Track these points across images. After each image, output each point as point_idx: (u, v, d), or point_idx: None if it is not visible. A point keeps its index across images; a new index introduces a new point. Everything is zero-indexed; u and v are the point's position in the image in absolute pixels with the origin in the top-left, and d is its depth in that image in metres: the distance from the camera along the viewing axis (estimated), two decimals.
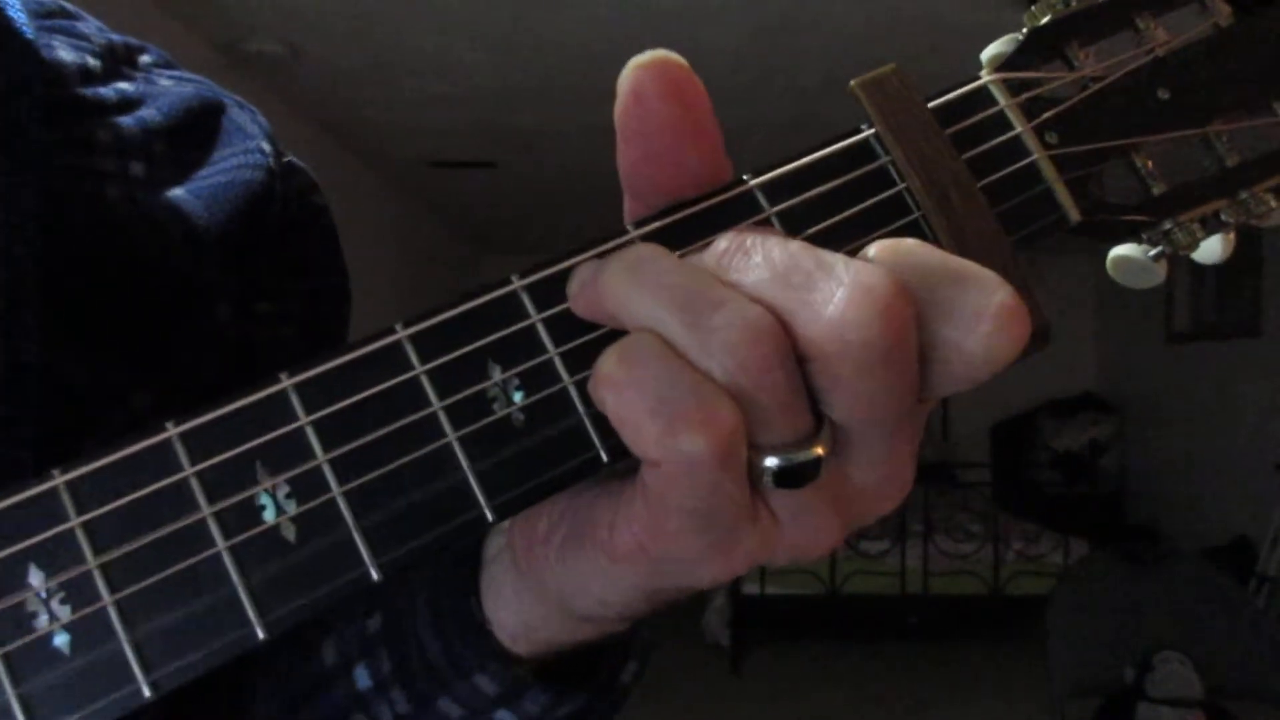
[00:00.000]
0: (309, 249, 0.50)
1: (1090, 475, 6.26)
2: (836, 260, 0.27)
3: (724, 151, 0.30)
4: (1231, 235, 0.34)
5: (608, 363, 0.27)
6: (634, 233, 0.30)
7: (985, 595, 4.51)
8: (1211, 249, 0.34)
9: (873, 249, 0.28)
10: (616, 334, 0.29)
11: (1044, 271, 5.91)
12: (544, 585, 0.33)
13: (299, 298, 0.49)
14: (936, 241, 0.30)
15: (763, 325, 0.26)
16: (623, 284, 0.27)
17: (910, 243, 0.28)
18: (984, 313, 0.26)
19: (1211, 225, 0.34)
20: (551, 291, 0.29)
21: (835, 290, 0.26)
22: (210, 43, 3.13)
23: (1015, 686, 4.10)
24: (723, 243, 0.28)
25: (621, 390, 0.26)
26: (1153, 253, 0.34)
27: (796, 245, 0.27)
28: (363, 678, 0.40)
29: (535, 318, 0.29)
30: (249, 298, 0.47)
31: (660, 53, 0.29)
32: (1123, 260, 0.35)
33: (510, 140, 4.36)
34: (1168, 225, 0.33)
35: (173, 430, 0.27)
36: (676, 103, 0.29)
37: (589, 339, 0.29)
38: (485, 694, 0.37)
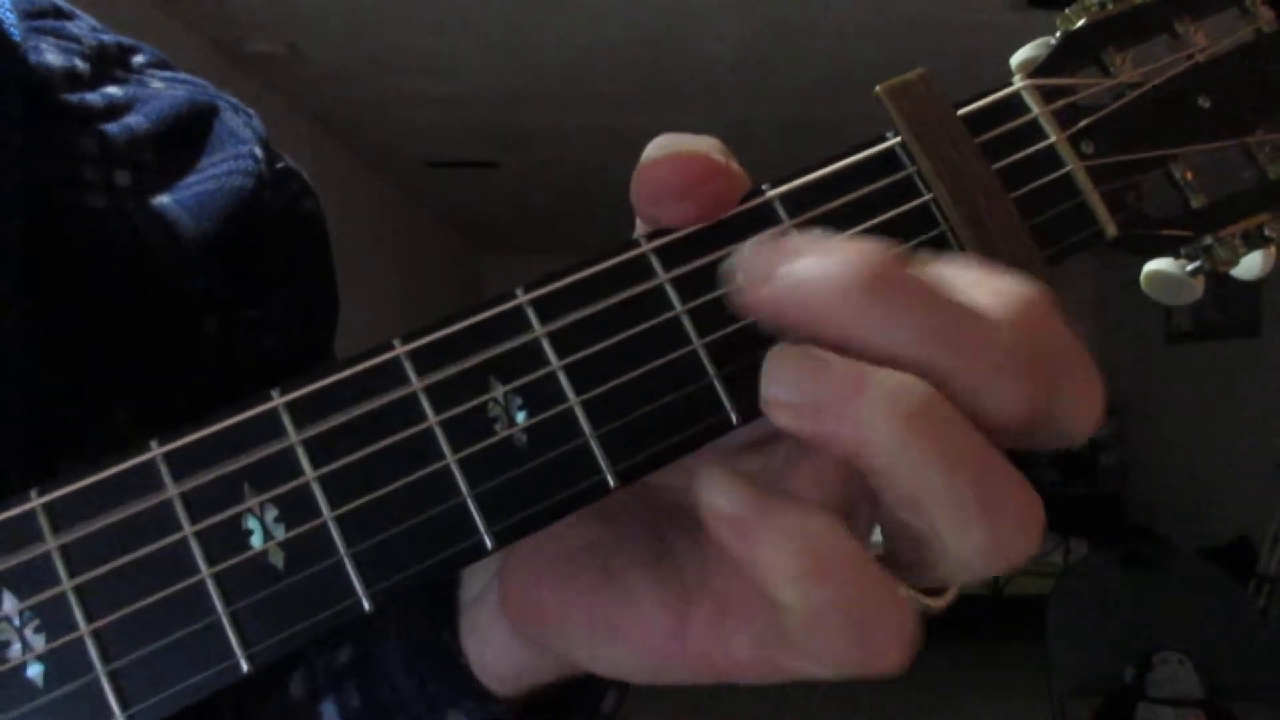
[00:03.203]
0: (298, 255, 0.49)
1: (1090, 475, 6.25)
2: None
3: (742, 181, 0.28)
4: (1273, 250, 0.33)
5: (792, 560, 0.23)
6: (646, 245, 0.28)
7: (985, 595, 4.51)
8: (1252, 265, 0.33)
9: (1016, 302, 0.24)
10: (625, 347, 0.27)
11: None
12: (553, 653, 0.31)
13: (285, 305, 0.48)
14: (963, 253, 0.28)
15: (1037, 510, 0.24)
16: (894, 437, 0.23)
17: (1034, 302, 0.25)
18: (1094, 392, 0.25)
19: (1254, 240, 0.32)
20: (557, 305, 0.27)
21: None
22: (210, 43, 3.13)
23: (1015, 686, 4.10)
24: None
25: (807, 584, 0.23)
26: (1190, 268, 0.32)
27: None
28: (330, 713, 0.38)
29: (540, 332, 0.27)
30: (236, 305, 0.46)
31: (682, 146, 0.27)
32: (1159, 275, 0.33)
33: (510, 140, 4.36)
34: (1208, 240, 0.32)
35: (157, 450, 0.26)
36: (694, 200, 0.27)
37: (595, 355, 0.27)
38: None
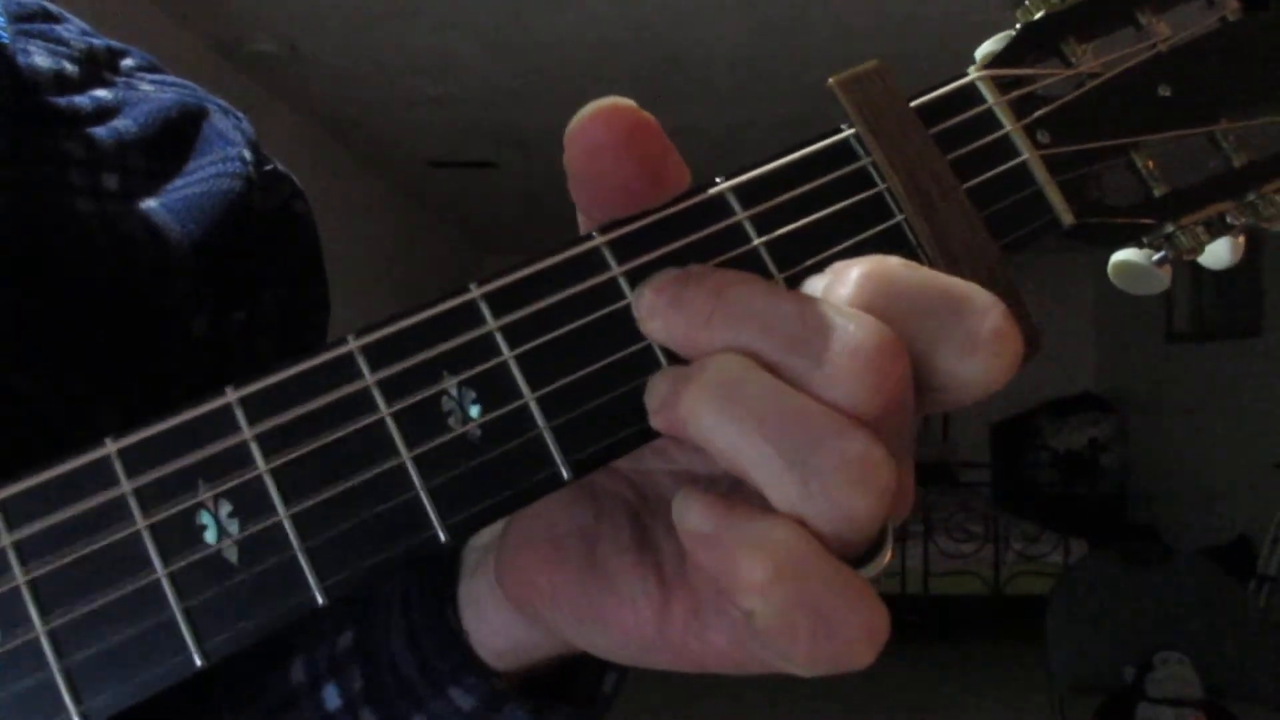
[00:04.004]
0: (287, 258, 0.49)
1: (1090, 475, 6.25)
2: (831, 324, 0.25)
3: (680, 167, 0.29)
4: (1241, 239, 0.33)
5: (756, 569, 0.24)
6: (599, 239, 0.28)
7: (985, 595, 4.51)
8: (1219, 253, 0.33)
9: (854, 276, 0.26)
10: (578, 340, 0.27)
11: (1043, 271, 5.91)
12: (548, 630, 0.32)
13: (275, 307, 0.48)
14: (919, 246, 0.29)
15: (873, 465, 0.24)
16: (712, 416, 0.25)
17: (893, 268, 0.27)
18: (977, 339, 0.25)
19: (1217, 228, 0.32)
20: (510, 300, 0.28)
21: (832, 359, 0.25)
22: (210, 42, 3.13)
23: (1015, 686, 4.10)
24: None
25: (772, 593, 0.24)
26: (1156, 257, 0.33)
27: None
28: (332, 697, 0.38)
29: (493, 326, 0.27)
30: (226, 308, 0.46)
31: (609, 101, 0.27)
32: (1124, 266, 0.33)
33: (510, 140, 4.36)
34: (1170, 228, 0.32)
35: (111, 446, 0.26)
36: (629, 155, 0.27)
37: (549, 349, 0.27)
38: (460, 709, 0.36)
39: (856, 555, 0.25)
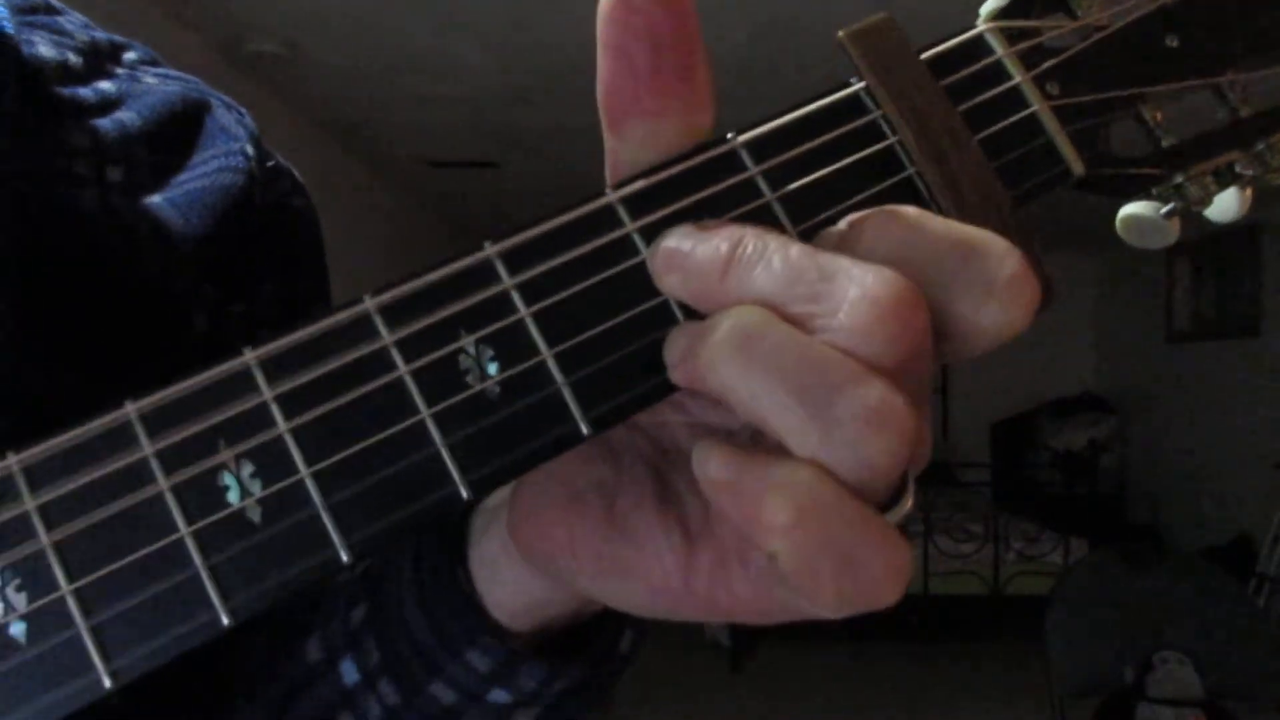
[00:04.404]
0: (287, 252, 0.49)
1: (1090, 475, 6.25)
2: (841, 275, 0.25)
3: (709, 86, 0.29)
4: (1248, 191, 0.32)
5: (779, 513, 0.24)
6: (613, 195, 0.28)
7: (985, 595, 4.51)
8: (1226, 204, 0.33)
9: (869, 226, 0.27)
10: (594, 296, 0.27)
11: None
12: (565, 584, 0.32)
13: (274, 301, 0.48)
14: (931, 197, 0.29)
15: (893, 412, 0.24)
16: (732, 367, 0.25)
17: (908, 216, 0.27)
18: (995, 285, 0.26)
19: (1225, 179, 0.32)
20: (525, 258, 0.28)
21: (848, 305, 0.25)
22: (210, 43, 3.13)
23: (1015, 686, 4.10)
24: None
25: (795, 535, 0.24)
26: (1164, 210, 0.33)
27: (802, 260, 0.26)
28: (350, 671, 0.38)
29: (509, 283, 0.27)
30: (226, 302, 0.46)
31: None
32: (1133, 219, 0.33)
33: (510, 140, 4.36)
34: (1179, 179, 0.32)
35: (131, 408, 0.26)
36: (664, 11, 0.27)
37: (565, 305, 0.27)
38: (478, 671, 0.36)
39: (878, 503, 0.25)
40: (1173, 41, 0.31)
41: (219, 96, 0.50)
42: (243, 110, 0.50)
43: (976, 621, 4.63)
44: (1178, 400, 5.80)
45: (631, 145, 0.29)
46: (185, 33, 3.00)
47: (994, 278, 0.26)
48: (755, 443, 0.27)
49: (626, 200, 0.28)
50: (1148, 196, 0.33)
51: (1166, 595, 2.57)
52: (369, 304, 0.27)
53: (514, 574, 0.34)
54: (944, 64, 0.30)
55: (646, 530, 0.29)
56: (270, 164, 0.49)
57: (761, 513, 0.24)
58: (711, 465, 0.26)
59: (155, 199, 0.43)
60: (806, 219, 0.29)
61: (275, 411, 0.26)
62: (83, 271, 0.40)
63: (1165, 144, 0.31)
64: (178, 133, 0.46)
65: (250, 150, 0.47)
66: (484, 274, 0.27)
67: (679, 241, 0.27)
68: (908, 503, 0.26)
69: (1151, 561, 2.62)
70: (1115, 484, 6.36)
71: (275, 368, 0.26)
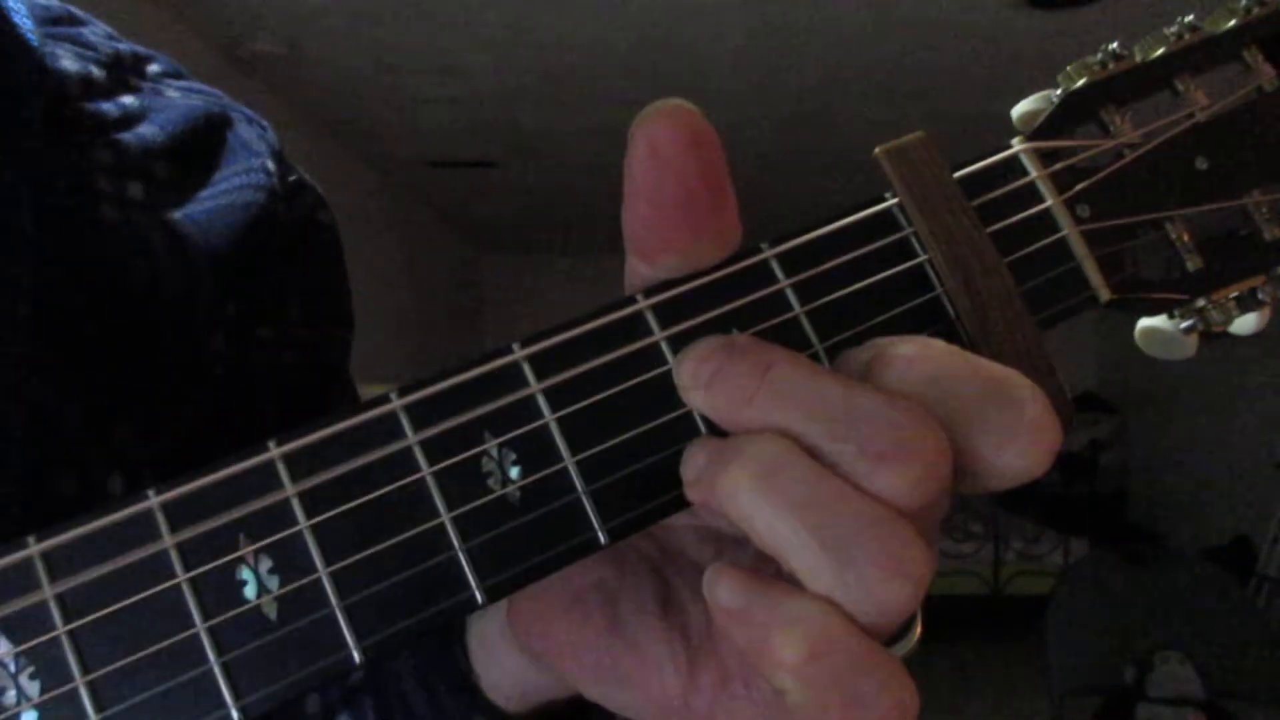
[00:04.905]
0: (313, 271, 0.49)
1: (1090, 475, 6.25)
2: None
3: (737, 212, 0.28)
4: (1267, 310, 0.33)
5: (790, 650, 0.24)
6: (644, 302, 0.28)
7: (985, 595, 4.51)
8: (1246, 324, 0.33)
9: (899, 359, 0.26)
10: (619, 404, 0.28)
11: None
12: (562, 681, 0.31)
13: (302, 322, 0.47)
14: (958, 319, 0.29)
15: (911, 559, 0.24)
16: (750, 497, 0.25)
17: (938, 353, 0.26)
18: (1017, 430, 0.25)
19: (1248, 303, 0.32)
20: (553, 362, 0.28)
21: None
22: (210, 43, 3.13)
23: (1015, 686, 4.10)
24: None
25: (806, 672, 0.24)
26: (1184, 325, 0.33)
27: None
28: None
29: (535, 388, 0.27)
30: (249, 323, 0.45)
31: (676, 102, 0.27)
32: (1152, 332, 0.33)
33: (510, 140, 4.36)
34: (1201, 303, 0.32)
35: (154, 499, 0.26)
36: (694, 156, 0.27)
37: (590, 412, 0.28)
38: None
39: (887, 636, 0.25)
40: (1203, 164, 0.31)
41: (241, 110, 0.49)
42: (265, 124, 0.50)
43: (976, 621, 4.63)
44: (1178, 400, 5.80)
45: (661, 272, 0.29)
46: (185, 32, 3.00)
47: (1017, 422, 0.25)
48: (763, 557, 0.27)
49: (656, 308, 0.28)
50: (1169, 315, 0.33)
51: (1167, 595, 2.57)
52: (396, 404, 0.27)
53: (512, 661, 0.34)
54: (977, 183, 0.30)
55: (648, 639, 0.29)
56: (293, 179, 0.48)
57: (771, 646, 0.24)
58: (722, 591, 0.25)
59: (176, 215, 0.43)
60: (833, 334, 0.29)
61: (297, 508, 0.26)
62: (100, 286, 0.40)
63: (1190, 267, 0.31)
64: (200, 148, 0.46)
65: (272, 166, 0.47)
66: (511, 377, 0.28)
67: (706, 357, 0.27)
68: (916, 633, 0.26)
69: (1151, 561, 2.62)
70: (1115, 484, 6.35)
71: (299, 462, 0.26)
